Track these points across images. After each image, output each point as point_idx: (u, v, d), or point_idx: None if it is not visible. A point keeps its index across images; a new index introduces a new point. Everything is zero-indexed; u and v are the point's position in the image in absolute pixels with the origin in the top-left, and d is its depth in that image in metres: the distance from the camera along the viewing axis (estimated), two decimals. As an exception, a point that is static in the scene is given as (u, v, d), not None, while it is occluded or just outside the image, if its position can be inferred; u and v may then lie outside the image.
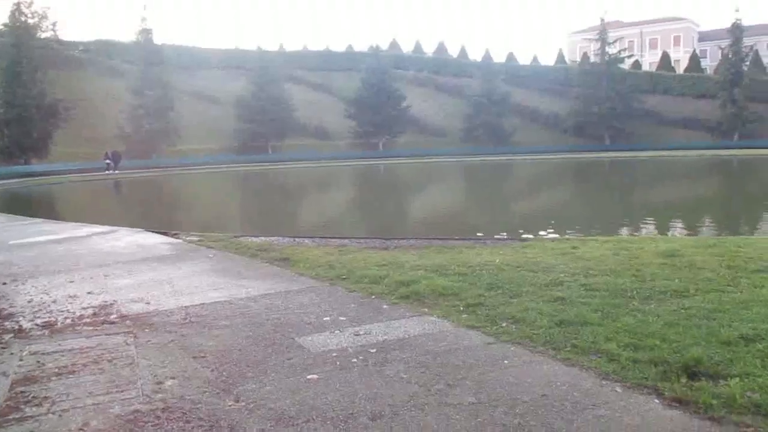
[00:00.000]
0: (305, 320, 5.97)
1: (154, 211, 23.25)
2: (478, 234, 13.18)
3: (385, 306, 6.39)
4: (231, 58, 78.99)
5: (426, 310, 6.16)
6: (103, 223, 14.29)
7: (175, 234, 12.01)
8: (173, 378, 4.59)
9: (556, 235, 12.08)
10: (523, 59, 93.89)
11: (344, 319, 5.97)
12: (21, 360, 5.11)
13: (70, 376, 4.72)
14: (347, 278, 7.61)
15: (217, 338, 5.51)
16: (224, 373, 4.65)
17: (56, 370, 4.86)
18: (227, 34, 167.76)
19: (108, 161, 49.42)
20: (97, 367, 4.88)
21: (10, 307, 6.94)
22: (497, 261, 8.19)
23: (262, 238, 11.27)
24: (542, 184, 37.77)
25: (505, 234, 13.12)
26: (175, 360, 4.99)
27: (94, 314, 6.47)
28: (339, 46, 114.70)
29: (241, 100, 66.27)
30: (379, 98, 68.14)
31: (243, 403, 4.10)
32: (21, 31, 51.34)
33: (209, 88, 71.05)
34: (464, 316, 5.90)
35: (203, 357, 5.03)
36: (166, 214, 21.36)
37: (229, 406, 4.07)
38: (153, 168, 51.71)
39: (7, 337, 5.78)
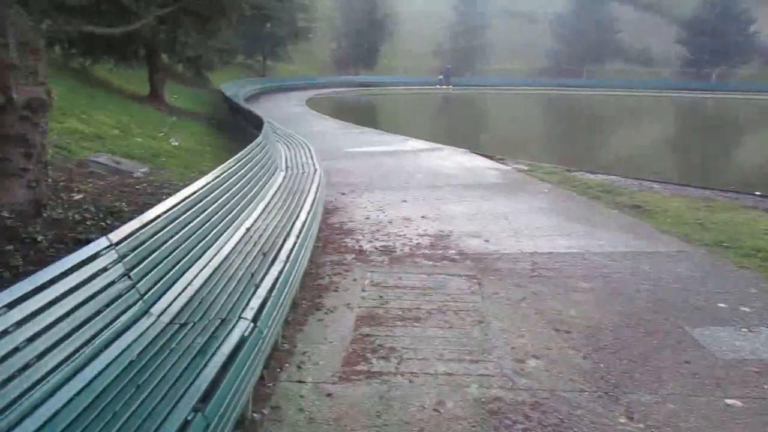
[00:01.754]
0: (690, 302, 4.55)
1: (473, 131, 22.87)
2: None
3: (806, 301, 4.62)
4: (555, -28, 74.71)
5: None
6: (427, 139, 14.16)
7: (502, 159, 11.18)
8: (536, 357, 3.65)
9: None
10: None
11: (748, 310, 4.42)
12: (364, 291, 4.68)
13: (416, 324, 4.09)
14: (730, 247, 5.88)
15: (579, 307, 4.44)
16: (602, 365, 3.56)
17: (400, 312, 4.29)
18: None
19: (441, 76, 50.82)
20: (443, 319, 4.19)
21: (350, 221, 6.76)
22: None
23: (601, 175, 9.81)
24: None
25: None
26: (533, 329, 4.05)
27: (431, 245, 5.90)
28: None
29: (560, 19, 62.70)
30: (720, 21, 58.42)
31: (641, 425, 2.98)
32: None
33: (528, 6, 68.54)
34: None
35: (567, 332, 4.01)
36: (485, 135, 20.77)
37: (622, 424, 2.98)
38: (467, 86, 51.84)
39: (349, 257, 5.48)
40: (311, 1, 45.41)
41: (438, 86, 48.18)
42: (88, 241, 4.83)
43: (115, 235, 2.95)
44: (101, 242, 2.82)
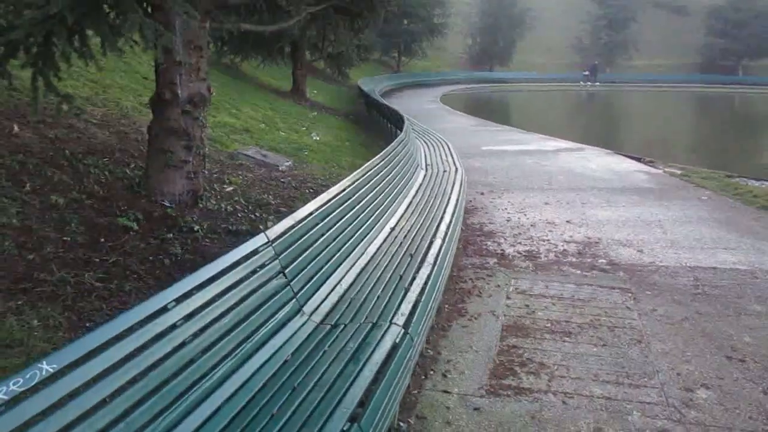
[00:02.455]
0: None
1: (618, 130, 21.55)
2: None
3: None
4: (711, -39, 69.11)
5: None
6: (567, 138, 13.55)
7: (651, 162, 10.44)
8: (706, 386, 3.29)
9: None
10: None
11: None
12: (508, 298, 4.48)
13: (566, 339, 3.84)
14: None
15: (754, 333, 3.96)
16: (786, 404, 3.14)
17: (548, 324, 4.05)
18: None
19: (586, 73, 48.78)
20: (595, 335, 3.91)
21: (490, 223, 6.56)
22: None
23: (766, 183, 8.87)
24: None
25: None
26: (700, 354, 3.66)
27: (579, 253, 5.57)
28: None
29: (716, 11, 57.94)
30: None
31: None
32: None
33: (680, -4, 64.03)
34: None
35: (741, 361, 3.58)
36: (632, 136, 19.47)
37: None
38: (610, 83, 48.89)
39: (491, 261, 5.30)
40: (448, -3, 45.20)
41: (583, 83, 46.17)
42: (239, 232, 5.02)
43: (272, 232, 2.97)
44: (259, 239, 2.85)
